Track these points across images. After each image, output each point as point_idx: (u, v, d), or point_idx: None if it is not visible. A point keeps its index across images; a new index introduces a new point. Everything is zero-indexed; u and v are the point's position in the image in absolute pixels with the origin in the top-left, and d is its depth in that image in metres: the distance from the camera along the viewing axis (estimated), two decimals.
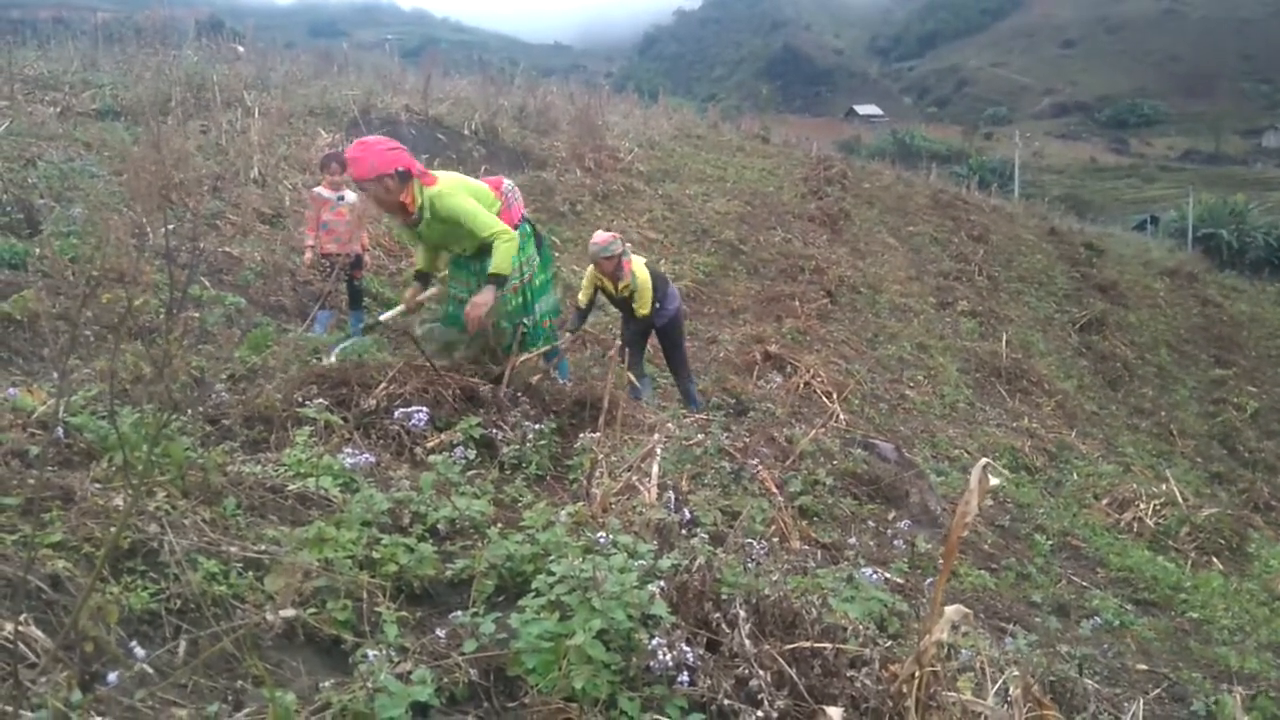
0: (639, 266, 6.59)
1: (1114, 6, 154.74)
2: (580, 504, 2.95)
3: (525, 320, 4.75)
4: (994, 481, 2.07)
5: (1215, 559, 7.65)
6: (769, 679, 2.10)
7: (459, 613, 2.25)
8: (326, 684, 1.88)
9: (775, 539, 3.65)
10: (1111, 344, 16.48)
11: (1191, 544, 7.82)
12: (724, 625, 2.26)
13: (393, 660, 1.98)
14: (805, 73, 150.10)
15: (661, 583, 2.32)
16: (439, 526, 2.77)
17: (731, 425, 5.74)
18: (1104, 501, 8.57)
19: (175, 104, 10.22)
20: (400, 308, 4.84)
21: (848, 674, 2.22)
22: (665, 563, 2.45)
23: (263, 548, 2.31)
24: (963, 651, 2.57)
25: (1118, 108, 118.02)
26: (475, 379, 4.03)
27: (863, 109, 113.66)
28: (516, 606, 2.23)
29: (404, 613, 2.26)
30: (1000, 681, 2.31)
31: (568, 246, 10.69)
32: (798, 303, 11.69)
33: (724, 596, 2.37)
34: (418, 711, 1.88)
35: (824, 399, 8.62)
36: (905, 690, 2.03)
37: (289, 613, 2.05)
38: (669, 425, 4.78)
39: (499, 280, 4.54)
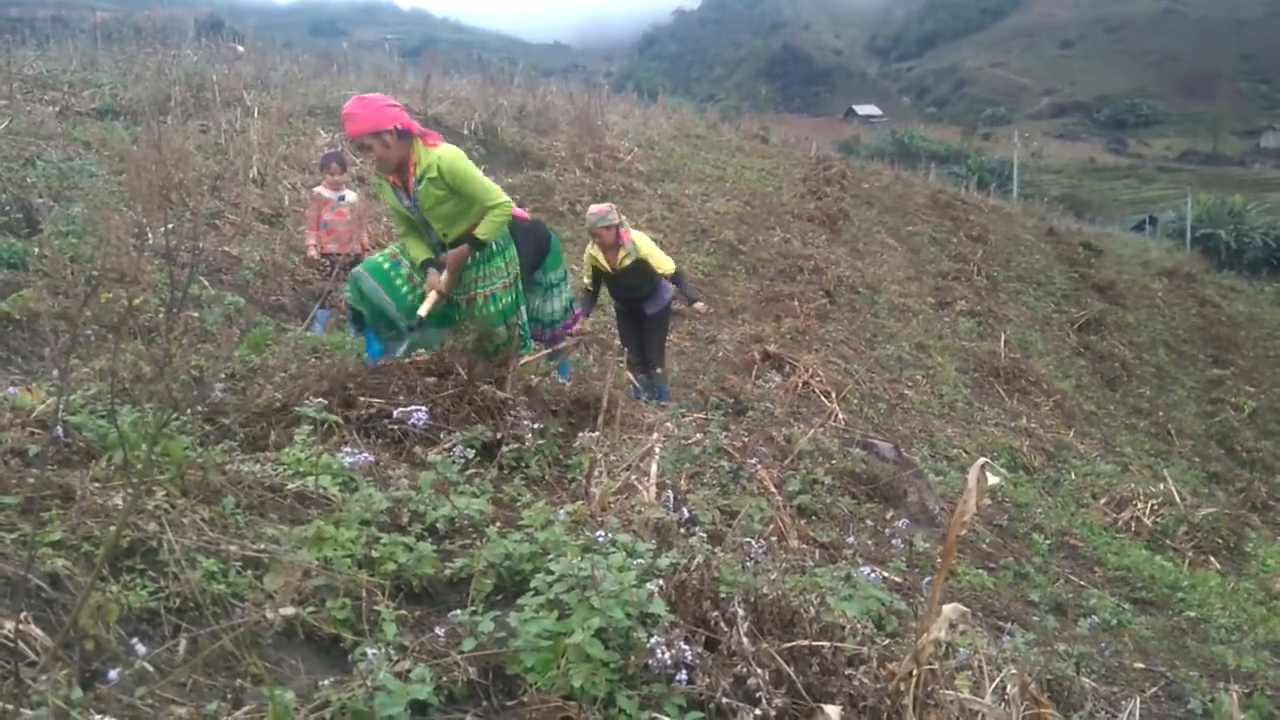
0: (639, 235, 6.67)
1: (1113, 6, 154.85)
2: (579, 503, 2.96)
3: (515, 318, 4.66)
4: (992, 481, 2.08)
5: (1212, 558, 7.67)
6: (767, 677, 2.11)
7: (458, 611, 2.26)
8: (326, 682, 1.89)
9: (774, 538, 3.66)
10: (1109, 344, 16.50)
11: (1189, 543, 7.83)
12: (722, 624, 2.27)
13: (392, 659, 1.98)
14: (804, 73, 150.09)
15: (660, 581, 2.32)
16: (438, 525, 2.77)
17: (730, 425, 5.74)
18: (1102, 501, 8.58)
19: (175, 103, 10.22)
20: (433, 296, 4.55)
21: (846, 672, 2.23)
22: (664, 561, 2.46)
23: (262, 546, 2.32)
24: (960, 650, 2.58)
25: (1116, 108, 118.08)
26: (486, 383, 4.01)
27: (862, 109, 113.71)
28: (515, 605, 2.24)
29: (403, 611, 2.27)
30: (998, 680, 2.32)
31: (567, 246, 10.67)
32: (797, 302, 11.69)
33: (722, 595, 2.38)
34: (417, 710, 1.88)
35: (822, 398, 8.63)
36: (903, 688, 2.03)
37: (288, 611, 2.05)
38: (668, 425, 4.79)
39: (476, 244, 4.45)
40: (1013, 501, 7.60)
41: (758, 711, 2.03)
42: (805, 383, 8.87)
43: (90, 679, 1.69)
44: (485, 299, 4.66)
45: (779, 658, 2.19)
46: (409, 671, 1.94)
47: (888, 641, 2.50)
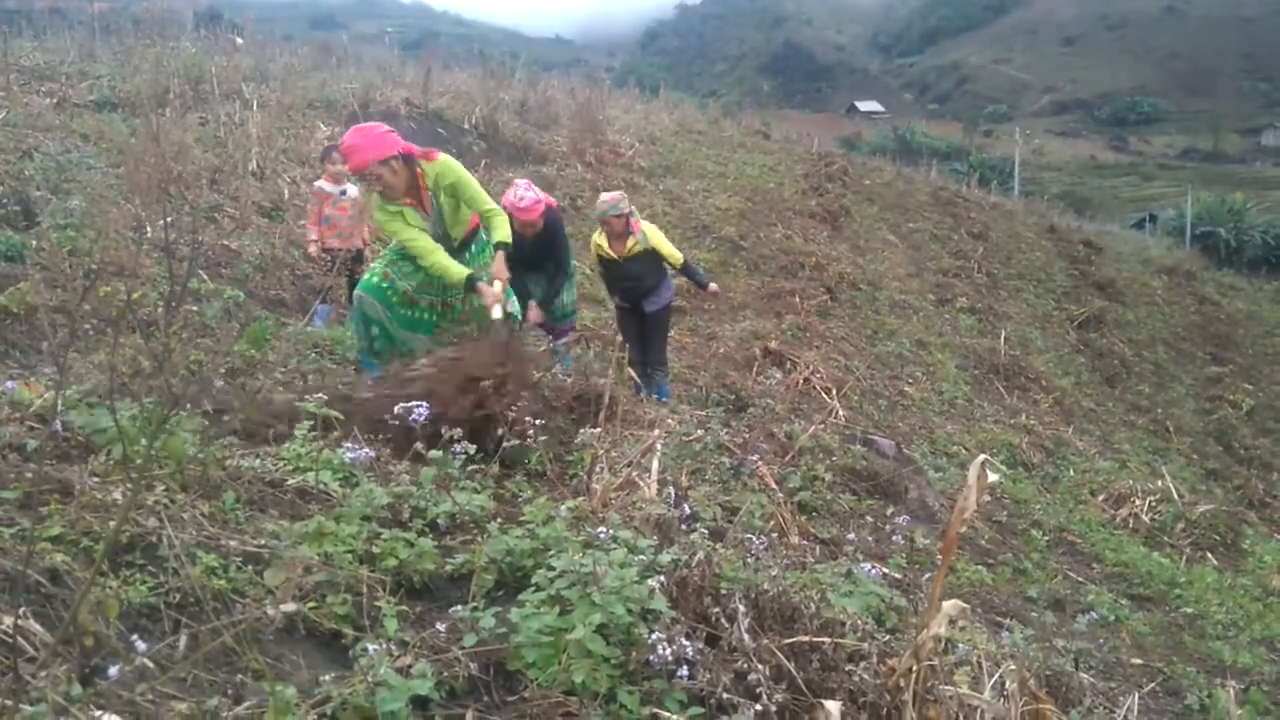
0: (649, 226, 6.70)
1: (1115, 4, 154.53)
2: (580, 499, 2.95)
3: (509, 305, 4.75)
4: (991, 478, 2.08)
5: (1210, 555, 7.68)
6: (768, 673, 2.11)
7: (459, 607, 2.26)
8: (326, 678, 1.89)
9: (774, 534, 3.66)
10: (1109, 341, 16.50)
11: (1186, 540, 7.84)
12: (723, 620, 2.27)
13: (393, 654, 1.98)
14: (806, 69, 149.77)
15: (661, 577, 2.32)
16: (439, 521, 2.77)
17: (731, 421, 5.74)
18: (1100, 497, 8.59)
19: (173, 96, 10.19)
20: (498, 308, 4.48)
21: (846, 668, 2.23)
22: (665, 558, 2.46)
23: (262, 542, 2.32)
24: (960, 646, 2.58)
25: (1117, 105, 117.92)
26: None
27: (864, 105, 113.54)
28: (516, 601, 2.24)
29: (404, 607, 2.27)
30: (997, 675, 2.32)
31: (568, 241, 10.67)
32: (798, 299, 11.69)
33: (723, 591, 2.38)
34: (418, 705, 1.88)
35: (823, 395, 8.63)
36: (903, 684, 2.03)
37: (289, 607, 2.05)
38: (669, 421, 4.79)
39: (505, 248, 4.56)
40: (1012, 498, 7.60)
41: (758, 707, 2.03)
42: (806, 379, 8.88)
43: (90, 675, 1.68)
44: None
45: (779, 653, 2.19)
46: (410, 667, 1.94)
47: (888, 637, 2.50)
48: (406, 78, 15.11)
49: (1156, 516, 8.12)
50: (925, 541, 4.79)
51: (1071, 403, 12.97)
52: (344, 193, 6.76)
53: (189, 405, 2.89)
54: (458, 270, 4.55)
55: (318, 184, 6.84)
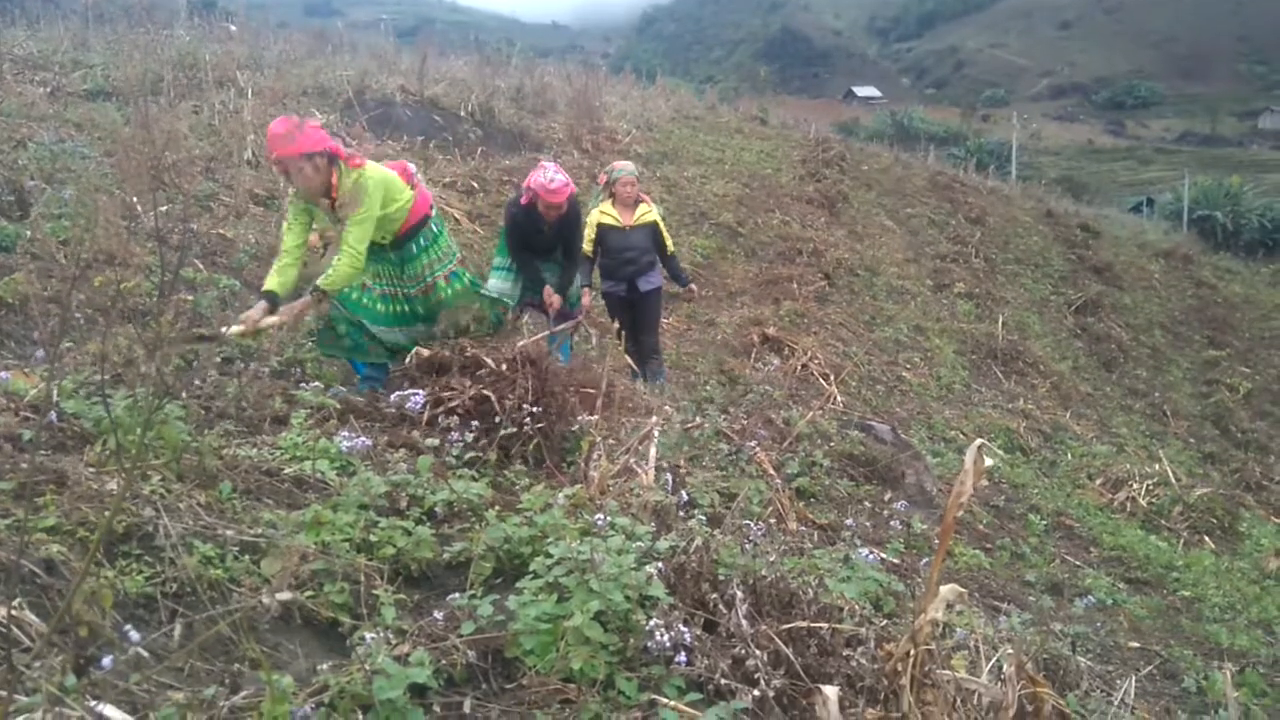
0: (654, 206, 6.72)
1: None
2: (578, 486, 2.95)
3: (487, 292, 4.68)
4: (989, 462, 2.07)
5: (1207, 538, 7.70)
6: (766, 658, 2.11)
7: (457, 595, 2.26)
8: (324, 666, 1.88)
9: (772, 520, 3.67)
10: (1106, 325, 16.50)
11: (1184, 523, 7.86)
12: (721, 606, 2.27)
13: (390, 642, 1.98)
14: (803, 54, 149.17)
15: (659, 564, 2.32)
16: (436, 509, 2.77)
17: (729, 407, 5.74)
18: (1098, 482, 8.60)
19: (167, 84, 10.13)
20: (238, 328, 4.04)
21: (844, 653, 2.24)
22: (663, 544, 2.46)
23: (259, 531, 2.31)
24: (957, 630, 2.59)
25: (1114, 89, 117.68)
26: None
27: (861, 90, 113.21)
28: (514, 588, 2.23)
29: (402, 595, 2.27)
30: (994, 659, 2.32)
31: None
32: (795, 285, 11.67)
33: (721, 577, 2.38)
34: (415, 693, 1.88)
35: (821, 381, 8.62)
36: (900, 669, 2.04)
37: (286, 596, 2.05)
38: (667, 408, 4.79)
39: (319, 293, 4.16)
40: (1009, 482, 7.61)
41: (756, 692, 2.03)
42: (804, 365, 8.87)
43: (85, 665, 1.68)
44: (445, 279, 4.61)
45: (777, 639, 2.19)
46: (408, 655, 1.94)
47: (885, 622, 2.51)
48: (402, 65, 15.01)
49: (1154, 500, 8.14)
50: (923, 526, 4.79)
51: (1069, 387, 12.98)
52: None
53: (183, 393, 2.88)
54: (269, 280, 4.28)
55: None
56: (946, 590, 2.06)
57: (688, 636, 2.09)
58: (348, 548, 2.34)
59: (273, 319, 4.05)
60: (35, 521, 2.01)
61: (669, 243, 6.71)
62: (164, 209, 6.67)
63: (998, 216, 20.79)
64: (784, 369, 8.67)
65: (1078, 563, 6.06)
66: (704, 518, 2.82)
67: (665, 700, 1.98)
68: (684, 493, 3.33)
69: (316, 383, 3.73)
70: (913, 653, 2.03)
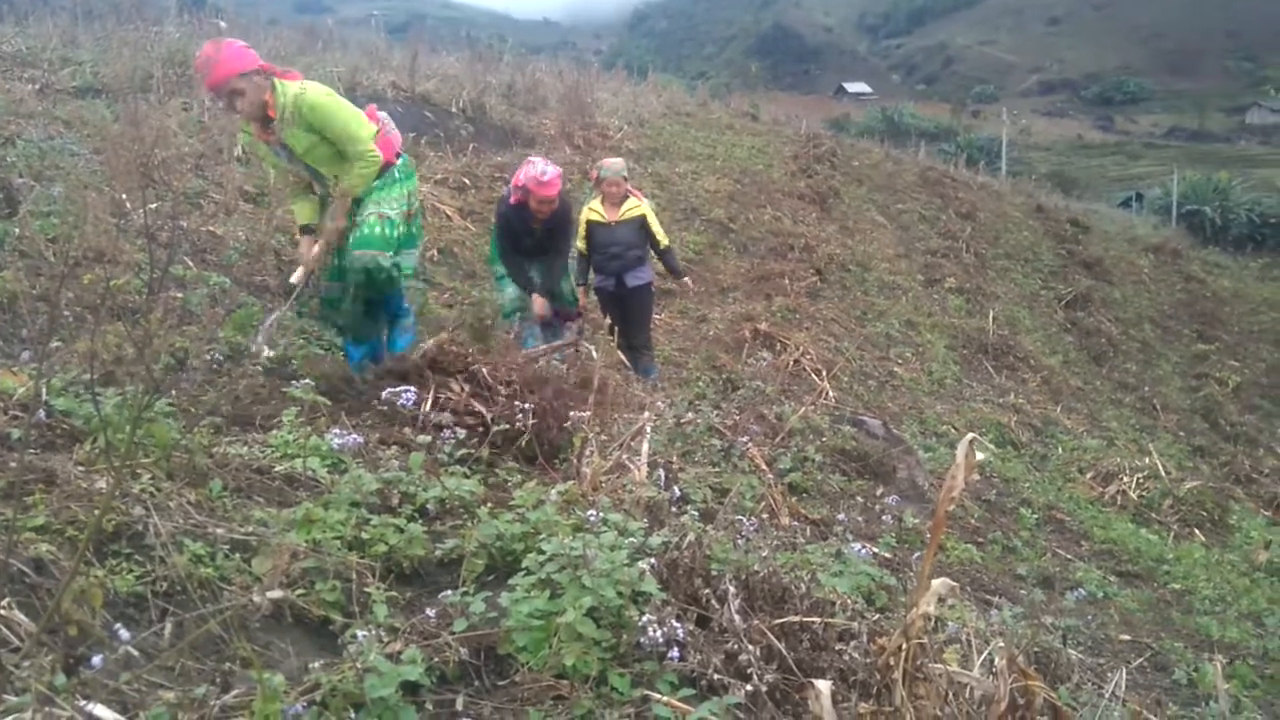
0: (646, 201, 6.76)
1: None
2: (571, 483, 2.95)
3: (388, 256, 4.22)
4: (980, 457, 2.08)
5: (1197, 531, 7.74)
6: (758, 653, 2.11)
7: (449, 592, 2.25)
8: (316, 665, 1.88)
9: (765, 515, 3.67)
10: (1096, 320, 16.57)
11: (1174, 516, 7.90)
12: (714, 601, 2.27)
13: (382, 640, 1.97)
14: (794, 50, 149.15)
15: (652, 560, 2.32)
16: (428, 506, 2.76)
17: (721, 403, 5.74)
18: (1088, 475, 8.64)
19: (156, 81, 10.07)
20: (301, 271, 4.13)
21: (836, 647, 2.24)
22: (655, 540, 2.46)
23: (250, 529, 2.30)
24: (949, 624, 2.59)
25: (1104, 85, 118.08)
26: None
27: (852, 86, 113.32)
28: (507, 585, 2.23)
29: (393, 593, 2.26)
30: (986, 653, 2.33)
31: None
32: (787, 281, 11.68)
33: (714, 573, 2.38)
34: (408, 691, 1.87)
35: (813, 376, 8.64)
36: (893, 662, 2.04)
37: (277, 594, 2.04)
38: (659, 404, 4.78)
39: (344, 197, 4.06)
40: (1001, 476, 7.64)
41: (749, 687, 2.03)
42: (796, 361, 8.88)
43: (75, 664, 1.67)
44: (380, 218, 4.23)
45: (770, 634, 2.19)
46: (400, 653, 1.94)
47: (877, 616, 2.51)
48: (393, 61, 14.96)
49: (1144, 494, 8.17)
50: (915, 521, 4.80)
51: (1059, 381, 13.03)
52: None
53: (172, 392, 2.86)
54: (300, 212, 4.28)
55: None
56: (938, 584, 2.06)
57: (680, 632, 2.09)
58: (339, 545, 2.33)
59: (318, 247, 4.10)
60: (24, 520, 2.00)
61: (661, 237, 6.69)
62: (153, 206, 6.63)
63: (988, 212, 20.84)
64: (776, 364, 8.68)
65: (1069, 556, 6.08)
66: (696, 513, 2.82)
67: (658, 696, 1.98)
68: (676, 488, 3.34)
69: (307, 380, 3.72)
70: (905, 646, 2.03)
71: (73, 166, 6.83)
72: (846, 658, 2.18)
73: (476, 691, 2.02)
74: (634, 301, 6.70)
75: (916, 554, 4.16)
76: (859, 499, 5.00)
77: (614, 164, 6.60)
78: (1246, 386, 16.12)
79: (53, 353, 3.36)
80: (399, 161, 4.42)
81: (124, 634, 1.73)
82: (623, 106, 18.48)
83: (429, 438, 2.93)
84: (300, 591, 2.14)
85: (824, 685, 1.86)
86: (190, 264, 5.98)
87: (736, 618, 2.18)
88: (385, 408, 3.58)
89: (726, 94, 35.25)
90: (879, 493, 5.20)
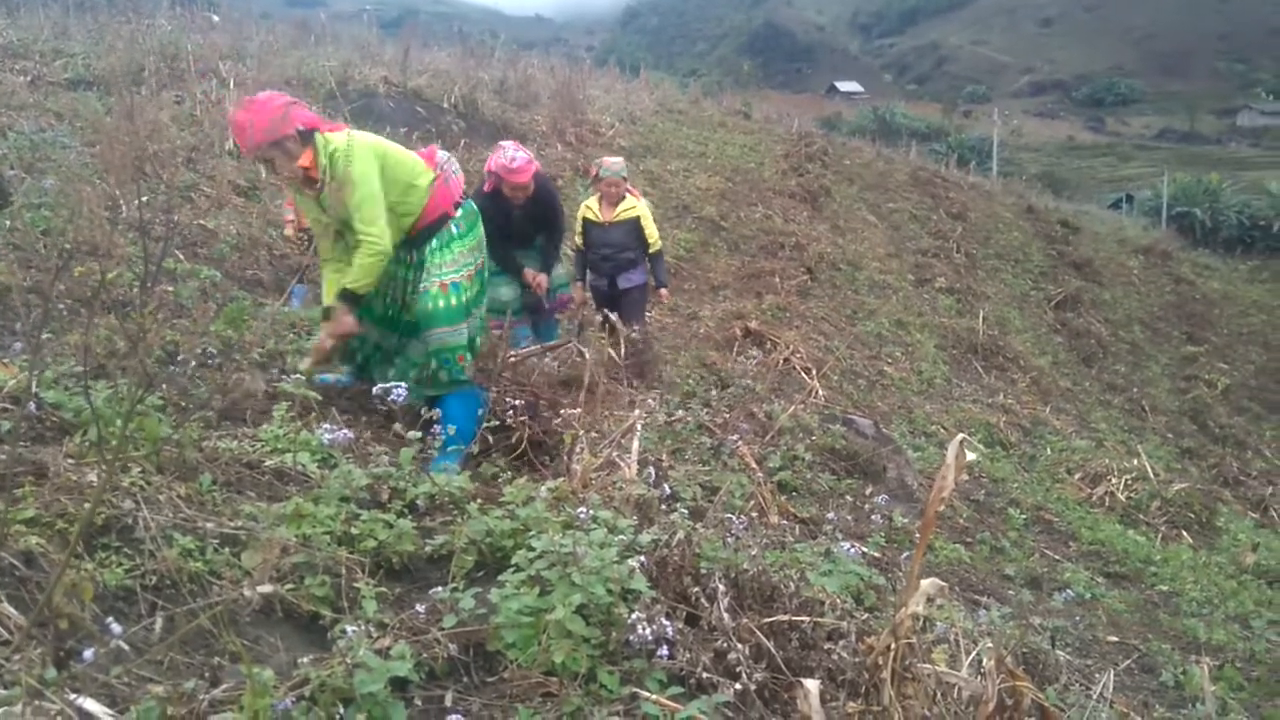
0: (642, 202, 6.72)
1: None
2: (561, 480, 2.95)
3: (459, 330, 3.77)
4: (969, 457, 2.09)
5: (1185, 533, 7.79)
6: (747, 652, 2.12)
7: (438, 588, 2.25)
8: (305, 660, 1.88)
9: (754, 514, 3.68)
10: (1086, 321, 16.65)
11: (1162, 518, 7.94)
12: (703, 599, 2.28)
13: (372, 636, 1.97)
14: (787, 49, 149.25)
15: (641, 558, 2.33)
16: (418, 502, 2.76)
17: (711, 401, 5.75)
18: (1077, 476, 8.68)
19: (149, 74, 10.01)
20: (308, 361, 3.74)
21: (825, 646, 2.25)
22: (645, 538, 2.46)
23: (240, 524, 2.30)
24: (938, 624, 2.61)
25: (1095, 86, 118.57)
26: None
27: (844, 86, 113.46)
28: (496, 582, 2.23)
29: (383, 588, 2.26)
30: (974, 653, 2.35)
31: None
32: (778, 279, 11.70)
33: (703, 571, 2.39)
34: (397, 686, 1.88)
35: (803, 375, 8.65)
36: (881, 662, 2.05)
37: (266, 589, 2.04)
38: (649, 402, 4.79)
39: (351, 299, 3.58)
40: (989, 477, 7.67)
41: (738, 686, 2.04)
42: (786, 359, 8.89)
43: (65, 658, 1.67)
44: (444, 288, 3.74)
45: (759, 633, 2.20)
46: (389, 648, 1.94)
47: (866, 616, 2.52)
48: (385, 56, 14.90)
49: (1132, 495, 8.22)
50: (904, 520, 4.83)
51: (1049, 382, 13.09)
52: None
53: (164, 386, 2.86)
54: (327, 288, 3.79)
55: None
56: (927, 584, 2.07)
57: (670, 630, 2.09)
58: (329, 540, 2.33)
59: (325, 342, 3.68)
60: (14, 513, 2.00)
61: (653, 240, 6.65)
62: (146, 199, 6.60)
63: (979, 212, 20.91)
64: (766, 363, 8.69)
65: (1057, 557, 6.12)
66: (686, 511, 2.82)
67: (647, 694, 1.99)
68: (666, 486, 3.34)
69: (298, 375, 3.71)
70: (893, 646, 2.04)
71: (65, 159, 6.80)
72: (835, 657, 2.19)
73: (465, 688, 2.03)
74: (626, 302, 6.73)
75: (905, 554, 4.17)
76: (848, 498, 5.02)
77: (614, 163, 6.55)
78: (1235, 389, 16.22)
79: (44, 345, 3.35)
80: (458, 213, 3.88)
81: (114, 628, 1.73)
82: (615, 103, 18.47)
83: (419, 434, 2.93)
84: (290, 586, 2.14)
85: (812, 684, 1.87)
86: (182, 258, 5.96)
87: (725, 616, 2.19)
88: (377, 403, 3.58)
89: (718, 92, 35.21)
90: (868, 492, 5.21)
